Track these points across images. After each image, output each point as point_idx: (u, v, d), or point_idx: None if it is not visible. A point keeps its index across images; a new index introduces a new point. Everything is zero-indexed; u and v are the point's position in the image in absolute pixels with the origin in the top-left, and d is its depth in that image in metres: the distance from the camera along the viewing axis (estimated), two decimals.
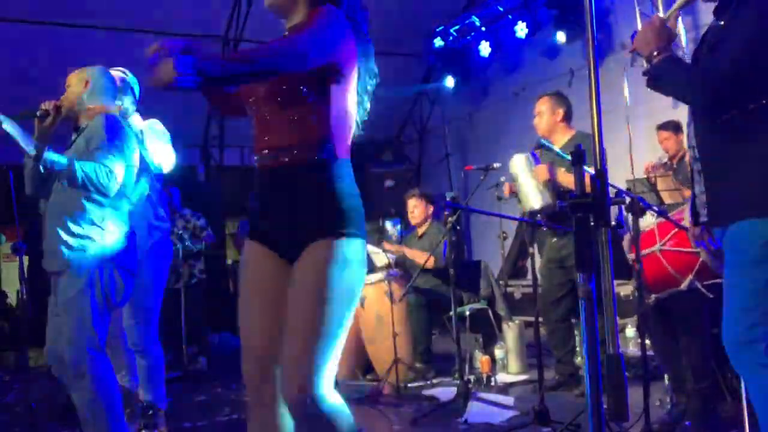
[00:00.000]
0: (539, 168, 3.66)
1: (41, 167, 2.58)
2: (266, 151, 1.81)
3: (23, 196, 3.06)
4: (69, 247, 2.68)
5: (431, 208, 5.19)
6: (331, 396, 1.71)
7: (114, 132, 2.76)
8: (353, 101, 1.86)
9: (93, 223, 2.72)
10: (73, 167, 2.57)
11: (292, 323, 1.73)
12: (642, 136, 4.96)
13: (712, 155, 1.95)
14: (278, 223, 1.82)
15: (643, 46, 1.97)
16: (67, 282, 2.68)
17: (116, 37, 6.81)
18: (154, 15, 6.82)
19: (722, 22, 1.91)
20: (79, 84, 2.90)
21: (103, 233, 2.74)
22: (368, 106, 1.95)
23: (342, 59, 1.78)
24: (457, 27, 7.78)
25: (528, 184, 3.62)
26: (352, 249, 1.76)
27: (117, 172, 2.67)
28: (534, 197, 3.58)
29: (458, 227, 4.32)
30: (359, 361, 4.81)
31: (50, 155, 2.57)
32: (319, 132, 1.77)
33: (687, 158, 3.82)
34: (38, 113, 2.81)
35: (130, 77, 3.32)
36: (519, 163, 3.67)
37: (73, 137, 2.90)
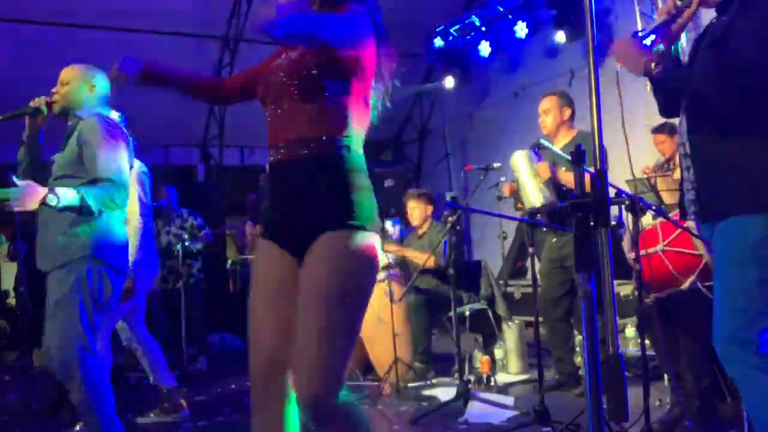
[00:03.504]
0: (541, 165, 3.64)
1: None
2: (283, 144, 1.79)
3: None
4: (59, 245, 2.64)
5: (431, 208, 5.18)
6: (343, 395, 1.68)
7: (111, 132, 2.73)
8: (370, 98, 1.87)
9: (83, 222, 2.66)
10: (85, 203, 2.55)
11: (305, 322, 1.68)
12: (640, 136, 4.96)
13: (704, 151, 1.94)
14: (292, 218, 1.79)
15: (631, 65, 1.93)
16: (57, 282, 2.64)
17: (116, 36, 6.82)
18: (153, 15, 6.82)
19: (725, 18, 1.90)
20: (83, 85, 2.84)
21: (93, 232, 2.68)
22: (381, 106, 1.95)
23: (365, 55, 1.80)
24: (457, 27, 7.77)
25: (529, 181, 3.61)
26: (364, 242, 1.73)
27: (124, 176, 2.68)
28: (535, 195, 3.57)
29: (458, 227, 4.32)
30: (359, 361, 4.81)
31: (63, 202, 2.53)
32: (337, 126, 1.77)
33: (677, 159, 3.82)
34: (30, 111, 2.74)
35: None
36: (520, 160, 3.65)
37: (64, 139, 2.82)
